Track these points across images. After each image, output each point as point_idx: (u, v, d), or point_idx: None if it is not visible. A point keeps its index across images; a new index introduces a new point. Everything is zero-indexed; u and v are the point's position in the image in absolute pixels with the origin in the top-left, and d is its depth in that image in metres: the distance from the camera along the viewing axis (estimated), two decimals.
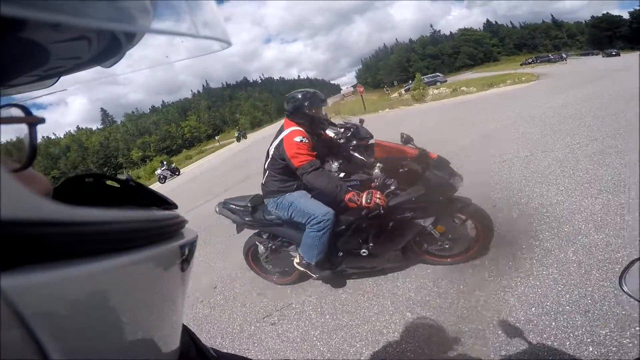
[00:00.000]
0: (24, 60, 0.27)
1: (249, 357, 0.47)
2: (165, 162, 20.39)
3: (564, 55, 46.60)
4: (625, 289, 0.68)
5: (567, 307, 1.68)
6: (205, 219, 5.31)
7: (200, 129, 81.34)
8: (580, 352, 1.43)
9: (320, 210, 2.02)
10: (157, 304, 0.28)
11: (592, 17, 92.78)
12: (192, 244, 0.33)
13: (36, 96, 0.37)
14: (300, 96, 2.14)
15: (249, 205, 2.33)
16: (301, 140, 2.00)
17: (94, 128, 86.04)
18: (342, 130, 3.71)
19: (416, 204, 1.93)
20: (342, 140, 3.49)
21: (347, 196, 1.90)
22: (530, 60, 49.73)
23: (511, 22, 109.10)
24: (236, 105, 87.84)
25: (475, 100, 12.57)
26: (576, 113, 5.85)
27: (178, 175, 19.27)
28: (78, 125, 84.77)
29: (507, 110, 7.68)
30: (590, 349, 1.43)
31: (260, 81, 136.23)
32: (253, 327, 2.31)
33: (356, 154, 2.50)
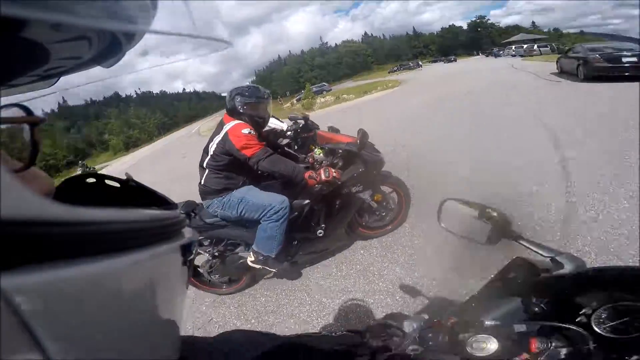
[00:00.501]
0: (24, 60, 0.27)
1: None
2: (84, 164, 17.96)
3: (420, 63, 57.96)
4: (443, 225, 0.80)
5: (439, 266, 2.15)
6: None
7: (57, 155, 66.01)
8: (460, 299, 1.88)
9: (277, 199, 2.04)
10: (157, 304, 0.28)
11: (442, 28, 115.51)
12: (192, 244, 0.34)
13: (36, 96, 0.37)
14: (243, 92, 2.13)
15: (182, 211, 2.01)
16: (249, 132, 1.99)
17: None
18: (293, 123, 3.97)
19: (357, 179, 2.25)
20: (290, 133, 3.83)
21: (307, 174, 2.03)
22: (395, 68, 59.25)
23: (383, 35, 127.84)
24: (104, 125, 75.09)
25: (354, 106, 14.27)
26: (426, 111, 7.46)
27: None
28: None
29: (375, 114, 9.04)
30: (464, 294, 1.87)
31: (135, 96, 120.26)
32: None
33: (290, 150, 2.66)
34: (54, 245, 0.17)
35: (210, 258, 2.30)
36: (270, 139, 2.60)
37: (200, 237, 2.22)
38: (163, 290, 0.29)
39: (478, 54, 70.21)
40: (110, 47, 0.31)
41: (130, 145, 59.61)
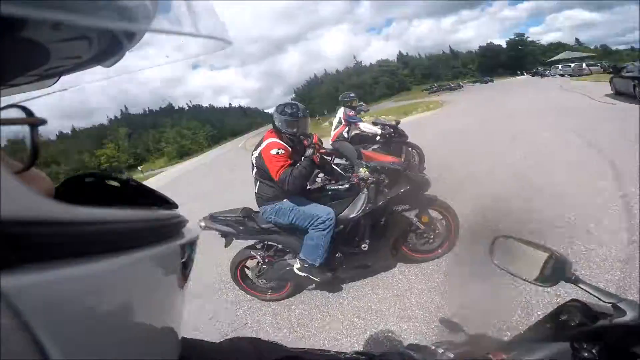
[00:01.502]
0: (24, 60, 0.27)
1: None
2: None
3: (461, 84, 56.35)
4: (495, 262, 0.79)
5: (482, 299, 2.04)
6: None
7: (120, 158, 73.27)
8: (500, 336, 1.72)
9: (323, 210, 2.20)
10: (157, 304, 0.28)
11: (480, 47, 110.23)
12: (193, 244, 0.34)
13: (36, 96, 0.37)
14: (281, 109, 2.28)
15: (240, 216, 2.34)
16: (277, 152, 2.13)
17: None
18: (384, 127, 4.48)
19: (402, 198, 2.34)
20: (379, 138, 4.41)
21: (313, 156, 2.17)
22: (435, 89, 57.65)
23: (419, 54, 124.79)
24: (160, 133, 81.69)
25: None
26: (468, 129, 7.19)
27: None
28: None
29: (417, 136, 8.91)
30: (508, 334, 1.72)
31: (187, 108, 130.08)
32: None
33: (336, 168, 2.82)
34: (54, 245, 0.17)
35: (261, 262, 2.46)
36: (355, 142, 3.04)
37: (254, 241, 2.44)
38: (163, 290, 0.29)
39: (523, 74, 66.09)
40: (110, 47, 0.31)
41: (183, 154, 64.05)
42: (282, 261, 2.45)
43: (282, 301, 2.58)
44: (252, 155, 2.31)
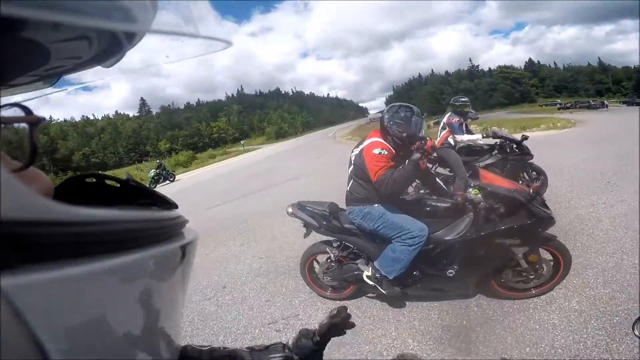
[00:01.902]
0: (24, 60, 0.27)
1: None
2: (162, 164, 18.86)
3: (606, 103, 43.59)
4: (637, 332, 0.79)
5: (560, 351, 1.77)
6: (218, 221, 5.56)
7: (228, 131, 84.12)
8: None
9: (417, 226, 2.05)
10: (157, 304, 0.28)
11: None
12: (192, 244, 0.33)
13: (36, 96, 0.37)
14: (395, 109, 2.16)
15: (327, 211, 2.37)
16: (379, 152, 2.04)
17: (131, 115, 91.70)
18: (505, 141, 4.09)
19: (517, 232, 2.03)
20: (496, 152, 4.01)
21: (420, 162, 2.04)
22: (569, 105, 46.94)
23: (555, 63, 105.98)
24: (265, 114, 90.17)
25: None
26: (607, 169, 5.70)
27: (172, 181, 17.52)
28: (117, 110, 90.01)
29: (536, 158, 7.55)
30: None
31: (291, 93, 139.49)
32: (257, 331, 2.40)
33: (441, 184, 2.54)
34: (54, 245, 0.17)
35: (332, 260, 2.45)
36: (464, 153, 2.82)
37: (332, 239, 2.43)
38: (162, 291, 0.29)
39: None
40: (110, 47, 0.31)
41: (280, 135, 69.69)
42: (352, 264, 2.40)
43: (339, 302, 2.56)
44: (352, 152, 2.24)
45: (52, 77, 0.36)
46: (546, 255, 2.20)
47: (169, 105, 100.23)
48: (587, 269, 2.50)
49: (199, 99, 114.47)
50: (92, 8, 0.20)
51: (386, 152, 2.05)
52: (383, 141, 2.11)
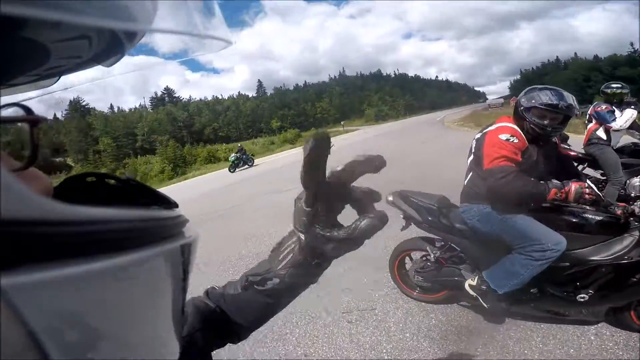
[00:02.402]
0: (24, 60, 0.27)
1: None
2: (242, 148, 18.04)
3: None
4: None
5: None
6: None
7: (329, 112, 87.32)
8: None
9: (553, 238, 1.64)
10: (157, 304, 0.28)
11: None
12: (193, 244, 0.32)
13: (36, 96, 0.38)
14: (540, 91, 1.76)
15: (435, 205, 2.08)
16: (507, 139, 1.68)
17: (250, 95, 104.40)
18: None
19: None
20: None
21: (551, 195, 1.60)
22: None
23: None
24: (366, 96, 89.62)
25: None
26: None
27: (251, 166, 16.81)
28: (239, 91, 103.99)
29: None
30: None
31: (394, 76, 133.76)
32: (330, 319, 2.31)
33: (595, 189, 1.94)
34: (54, 245, 0.17)
35: (431, 259, 2.13)
36: (566, 166, 1.99)
37: (437, 237, 2.13)
38: (163, 291, 0.28)
39: None
40: (111, 46, 0.30)
41: (379, 118, 68.63)
42: (454, 268, 2.07)
43: (422, 305, 2.25)
44: (474, 138, 1.89)
45: (52, 77, 0.35)
46: None
47: (281, 87, 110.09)
48: None
49: (305, 81, 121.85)
50: (92, 7, 0.20)
51: (517, 141, 1.67)
52: (516, 127, 1.72)
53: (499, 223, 1.73)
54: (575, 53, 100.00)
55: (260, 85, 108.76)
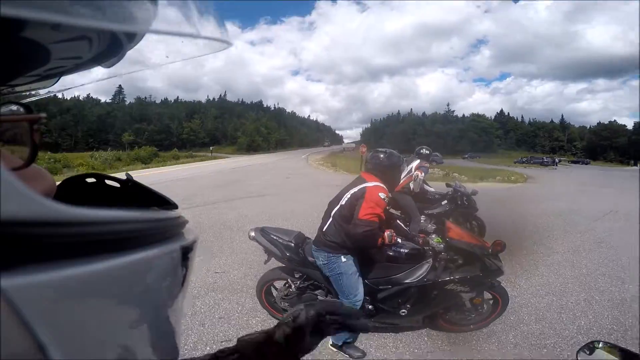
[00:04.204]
0: (24, 60, 0.27)
1: None
2: None
3: (557, 160, 46.78)
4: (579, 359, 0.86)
5: None
6: None
7: (199, 134, 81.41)
8: None
9: (357, 295, 2.08)
10: (157, 304, 0.28)
11: (599, 123, 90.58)
12: (192, 245, 0.34)
13: (36, 96, 0.37)
14: (395, 156, 2.17)
15: (292, 242, 2.32)
16: (384, 199, 1.98)
17: (102, 100, 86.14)
18: (457, 192, 4.36)
19: (469, 282, 2.20)
20: (446, 202, 4.32)
21: (379, 242, 2.02)
22: (524, 159, 49.13)
23: (522, 117, 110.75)
24: (241, 124, 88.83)
25: None
26: (548, 225, 6.29)
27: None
28: (89, 94, 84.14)
29: (488, 209, 8.08)
30: None
31: (273, 109, 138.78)
32: (208, 348, 2.27)
33: (402, 225, 2.67)
34: (54, 245, 0.17)
35: (292, 288, 2.42)
36: (418, 199, 3.09)
37: (295, 269, 2.38)
38: (163, 291, 0.29)
39: (635, 164, 54.72)
40: (110, 47, 0.31)
41: (251, 148, 68.24)
42: (311, 294, 2.42)
43: None
44: (347, 192, 2.09)
45: (52, 77, 0.35)
46: (487, 295, 2.42)
47: (145, 98, 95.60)
48: (523, 308, 2.83)
49: (178, 97, 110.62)
50: (92, 8, 0.20)
51: (387, 200, 2.02)
52: (385, 188, 2.05)
53: (336, 273, 2.09)
54: (411, 109, 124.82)
55: (119, 91, 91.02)
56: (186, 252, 0.31)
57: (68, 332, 0.18)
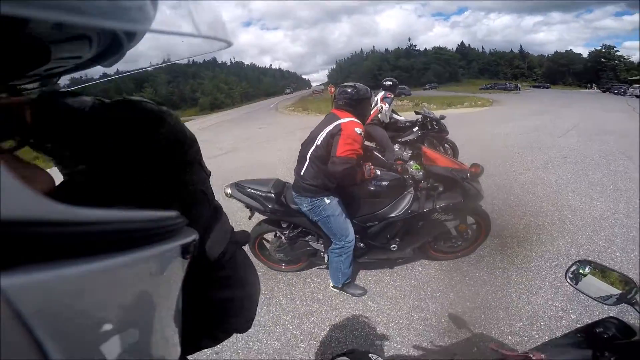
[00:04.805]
0: (24, 60, 0.27)
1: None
2: None
3: (519, 86, 48.96)
4: (568, 280, 0.91)
5: (493, 303, 2.12)
6: None
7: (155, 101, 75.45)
8: (501, 339, 1.84)
9: (347, 236, 2.11)
10: (157, 304, 0.28)
11: (556, 52, 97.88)
12: (192, 243, 0.34)
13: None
14: (362, 89, 2.08)
15: (271, 192, 2.20)
16: (360, 133, 1.92)
17: None
18: (426, 118, 4.38)
19: (451, 209, 2.25)
20: (417, 129, 4.34)
21: (359, 177, 2.01)
22: (488, 86, 51.50)
23: (482, 48, 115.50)
24: (199, 84, 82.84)
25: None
26: (517, 142, 6.63)
27: None
28: None
29: (460, 133, 8.32)
30: (509, 338, 1.84)
31: (230, 64, 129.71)
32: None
33: (379, 155, 2.75)
34: (54, 245, 0.17)
35: (283, 239, 2.39)
36: (391, 129, 3.08)
37: (281, 220, 2.33)
38: (163, 290, 0.29)
39: (592, 87, 58.65)
40: (110, 47, 0.31)
41: (215, 106, 64.83)
42: (303, 241, 2.42)
43: (298, 273, 2.63)
44: (321, 132, 1.99)
45: (52, 77, 0.35)
46: (470, 220, 2.50)
47: (81, 77, 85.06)
48: (504, 230, 3.01)
49: (117, 69, 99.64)
50: (92, 7, 0.20)
51: (363, 135, 1.95)
52: (360, 122, 1.99)
53: (323, 217, 2.07)
54: (374, 46, 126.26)
55: None
56: (185, 251, 0.31)
57: (68, 333, 0.18)
